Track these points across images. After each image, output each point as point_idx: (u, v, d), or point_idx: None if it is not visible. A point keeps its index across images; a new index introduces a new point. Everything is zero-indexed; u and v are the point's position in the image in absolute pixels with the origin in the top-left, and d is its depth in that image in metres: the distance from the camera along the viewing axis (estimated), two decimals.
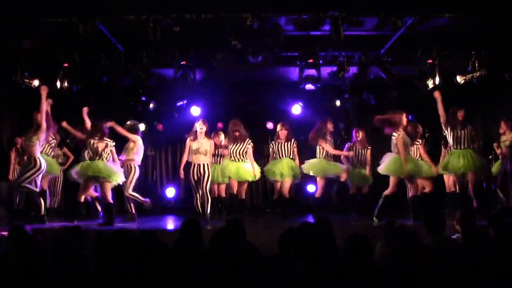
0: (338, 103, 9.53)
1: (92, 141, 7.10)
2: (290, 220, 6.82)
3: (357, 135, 8.40)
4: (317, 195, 8.21)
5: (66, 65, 7.86)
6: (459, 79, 7.88)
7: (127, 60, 7.93)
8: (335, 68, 8.13)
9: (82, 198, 7.25)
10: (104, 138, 7.16)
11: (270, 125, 9.90)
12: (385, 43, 7.76)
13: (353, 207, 8.50)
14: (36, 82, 7.71)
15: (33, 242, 3.34)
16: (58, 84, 7.89)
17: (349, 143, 8.52)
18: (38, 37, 7.15)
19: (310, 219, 7.42)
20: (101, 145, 7.10)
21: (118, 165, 7.30)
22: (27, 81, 7.68)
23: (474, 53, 7.73)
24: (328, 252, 3.06)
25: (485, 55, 7.74)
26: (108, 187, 7.05)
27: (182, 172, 7.42)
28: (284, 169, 7.79)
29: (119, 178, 7.15)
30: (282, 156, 7.92)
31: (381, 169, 7.14)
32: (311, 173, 8.13)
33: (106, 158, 7.10)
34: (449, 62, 7.90)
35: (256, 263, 2.44)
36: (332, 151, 8.16)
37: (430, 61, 7.85)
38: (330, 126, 8.17)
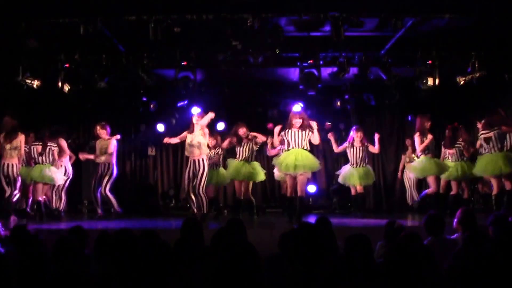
0: (338, 103, 9.54)
1: (32, 146, 7.63)
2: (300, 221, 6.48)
3: (357, 134, 8.36)
4: (430, 191, 7.87)
5: (67, 65, 7.88)
6: (459, 80, 7.90)
7: (128, 61, 7.95)
8: (335, 69, 8.14)
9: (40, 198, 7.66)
10: (45, 141, 7.64)
11: (270, 125, 9.91)
12: (385, 44, 7.77)
13: (354, 207, 8.52)
14: (37, 83, 7.75)
15: (35, 242, 3.36)
16: (59, 84, 7.91)
17: (347, 142, 8.47)
18: (39, 38, 7.16)
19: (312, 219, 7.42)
20: (41, 149, 7.63)
21: (57, 167, 7.81)
22: (29, 81, 7.71)
23: (474, 53, 7.74)
24: (328, 252, 3.08)
25: (485, 56, 7.75)
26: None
27: (167, 139, 7.50)
28: (299, 160, 6.83)
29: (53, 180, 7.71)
30: (295, 146, 6.95)
31: (479, 171, 7.27)
32: (418, 176, 7.99)
33: (47, 162, 7.65)
34: (449, 63, 7.91)
35: (252, 263, 2.45)
36: (421, 147, 7.84)
37: (429, 62, 7.87)
38: (427, 124, 7.82)
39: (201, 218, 6.84)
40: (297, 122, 6.91)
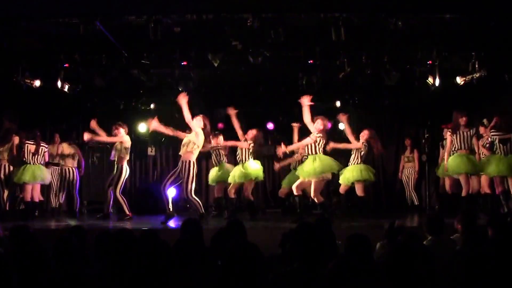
0: (338, 103, 9.54)
1: (27, 145, 7.77)
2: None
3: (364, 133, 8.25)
4: (464, 193, 7.36)
5: (66, 65, 7.88)
6: (459, 80, 7.89)
7: (128, 61, 7.94)
8: (335, 69, 8.14)
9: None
10: (38, 142, 7.85)
11: (270, 125, 9.91)
12: (385, 44, 7.76)
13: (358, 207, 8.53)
14: (37, 82, 7.76)
15: (35, 242, 3.35)
16: (59, 84, 7.91)
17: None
18: (39, 38, 7.16)
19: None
20: (34, 149, 7.80)
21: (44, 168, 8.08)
22: (28, 81, 7.71)
23: (474, 54, 7.74)
24: (328, 252, 3.08)
25: (485, 56, 7.75)
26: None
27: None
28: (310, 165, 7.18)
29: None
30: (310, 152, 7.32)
31: (493, 171, 7.15)
32: (454, 175, 7.53)
33: (38, 161, 7.86)
34: (449, 63, 7.91)
35: (256, 263, 2.45)
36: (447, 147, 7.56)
37: (429, 62, 7.86)
38: (462, 120, 7.40)
39: (199, 218, 6.83)
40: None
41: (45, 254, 3.19)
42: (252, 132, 8.10)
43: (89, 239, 3.80)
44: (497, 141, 7.16)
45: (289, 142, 8.31)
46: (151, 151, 10.40)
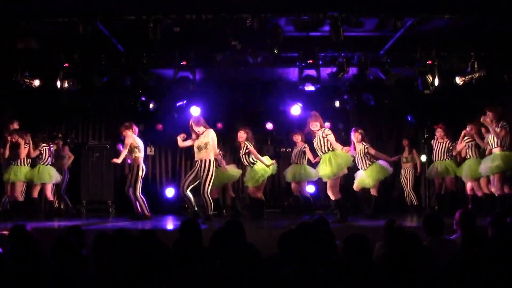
0: (337, 103, 9.53)
1: (44, 148, 7.91)
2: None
3: (354, 135, 8.07)
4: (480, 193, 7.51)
5: (66, 65, 7.88)
6: (458, 80, 7.89)
7: (127, 61, 7.94)
8: (334, 69, 8.13)
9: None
10: (49, 143, 8.06)
11: (269, 125, 9.90)
12: (385, 44, 7.77)
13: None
14: (36, 82, 7.76)
15: (33, 241, 3.35)
16: (58, 84, 7.90)
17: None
18: (38, 37, 7.15)
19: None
20: (47, 150, 7.97)
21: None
22: (28, 81, 7.71)
23: (473, 54, 7.74)
24: (328, 252, 3.07)
25: (485, 56, 7.75)
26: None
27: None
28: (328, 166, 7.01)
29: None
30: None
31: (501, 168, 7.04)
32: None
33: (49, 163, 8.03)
34: (449, 63, 7.91)
35: (255, 263, 2.45)
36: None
37: (429, 62, 7.87)
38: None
39: (204, 219, 6.85)
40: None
41: (44, 254, 3.18)
42: (241, 135, 7.84)
43: (87, 239, 3.79)
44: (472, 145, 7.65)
45: (288, 143, 8.35)
46: (150, 151, 10.38)
